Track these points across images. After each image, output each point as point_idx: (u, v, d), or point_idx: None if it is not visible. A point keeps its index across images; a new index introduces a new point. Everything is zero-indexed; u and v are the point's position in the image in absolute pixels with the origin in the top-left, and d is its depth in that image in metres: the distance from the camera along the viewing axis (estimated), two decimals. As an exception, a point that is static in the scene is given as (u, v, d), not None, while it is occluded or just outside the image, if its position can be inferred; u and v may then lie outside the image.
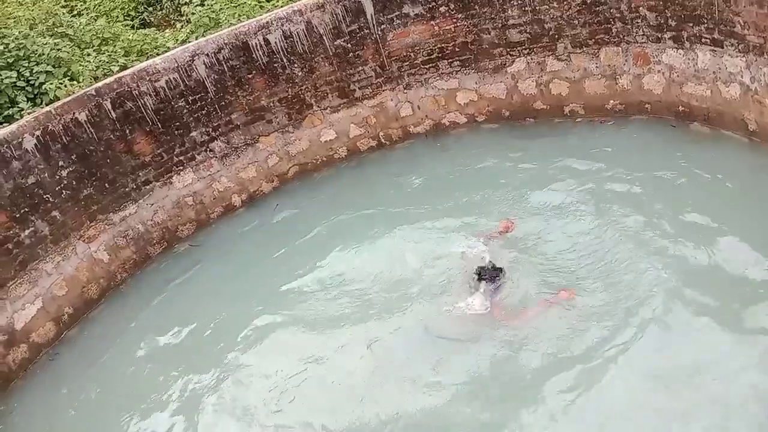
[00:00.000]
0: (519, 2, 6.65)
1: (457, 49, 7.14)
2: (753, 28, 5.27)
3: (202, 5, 8.98)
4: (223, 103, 6.96)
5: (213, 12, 8.63)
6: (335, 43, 7.09)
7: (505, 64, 7.09)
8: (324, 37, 7.04)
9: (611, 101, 6.75)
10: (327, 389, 4.66)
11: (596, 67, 6.67)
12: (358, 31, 7.08)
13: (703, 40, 5.79)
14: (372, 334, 5.01)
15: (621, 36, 6.39)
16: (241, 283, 6.07)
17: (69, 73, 7.52)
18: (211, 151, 7.05)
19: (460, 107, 7.47)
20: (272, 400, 4.72)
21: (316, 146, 7.45)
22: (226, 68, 6.87)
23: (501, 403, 4.23)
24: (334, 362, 4.86)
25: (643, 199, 5.53)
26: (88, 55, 8.26)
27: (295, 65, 7.08)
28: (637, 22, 6.19)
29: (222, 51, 6.82)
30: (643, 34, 6.22)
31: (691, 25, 5.81)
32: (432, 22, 7.04)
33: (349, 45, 7.12)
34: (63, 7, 9.93)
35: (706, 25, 5.69)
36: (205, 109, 6.91)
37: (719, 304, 4.37)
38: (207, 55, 6.79)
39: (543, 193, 6.05)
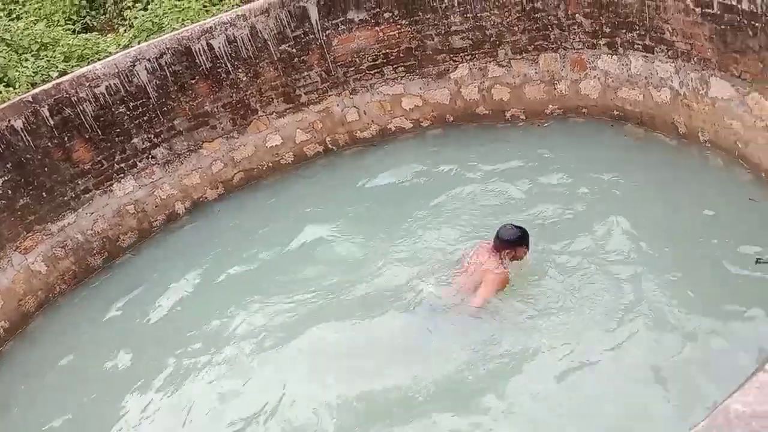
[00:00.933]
0: (461, 9, 6.77)
1: (401, 55, 7.22)
2: (681, 35, 5.50)
3: (145, 10, 8.87)
4: (166, 108, 6.86)
5: (156, 17, 8.54)
6: (280, 48, 7.08)
7: (448, 70, 7.20)
8: (269, 42, 7.02)
9: (550, 106, 6.93)
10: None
11: (536, 72, 6.83)
12: (303, 36, 7.09)
13: (635, 46, 6.01)
14: (323, 336, 4.97)
15: (559, 42, 6.57)
16: (185, 294, 5.98)
17: (5, 80, 7.32)
18: (153, 157, 6.94)
19: (405, 112, 7.54)
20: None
21: (262, 152, 7.41)
22: (168, 73, 6.78)
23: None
24: (290, 389, 4.67)
25: (580, 192, 5.77)
26: (26, 60, 8.06)
27: (240, 70, 7.04)
28: (574, 29, 6.38)
29: (164, 56, 6.73)
30: (580, 41, 6.41)
31: (624, 31, 6.01)
32: (377, 28, 7.10)
33: (294, 50, 7.12)
34: (0, 10, 9.66)
35: (638, 31, 5.91)
36: (147, 115, 6.80)
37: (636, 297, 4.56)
38: (149, 60, 6.69)
39: (490, 194, 6.15)
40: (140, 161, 6.90)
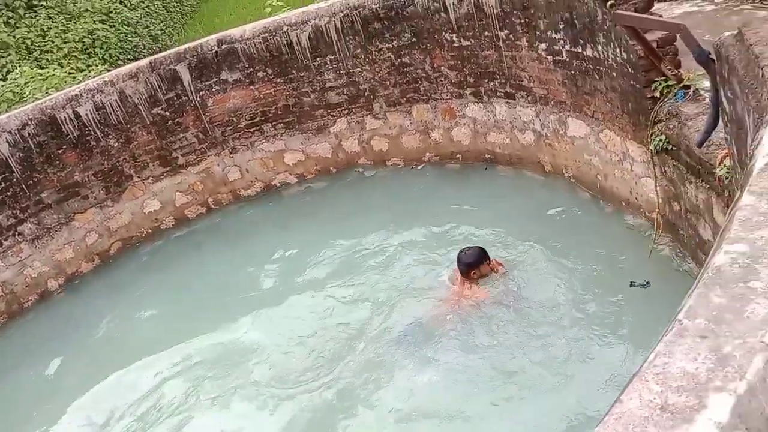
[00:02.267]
0: (334, 66, 6.95)
1: (279, 112, 7.27)
2: (537, 82, 5.92)
3: (5, 80, 8.42)
4: (32, 182, 6.48)
5: (17, 86, 8.12)
6: (152, 111, 6.93)
7: (327, 125, 7.32)
8: (140, 107, 6.86)
9: (427, 153, 7.19)
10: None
11: (410, 123, 7.10)
12: (176, 98, 6.99)
13: (498, 94, 6.40)
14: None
15: (429, 94, 6.87)
16: (60, 373, 5.57)
17: None
18: (20, 234, 6.50)
19: (289, 168, 7.56)
20: None
21: (140, 218, 7.14)
22: (32, 145, 6.44)
23: None
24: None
25: (458, 231, 5.98)
26: None
27: (110, 137, 6.80)
28: (441, 81, 6.71)
29: (27, 127, 6.40)
30: (448, 91, 6.75)
31: (486, 81, 6.40)
32: (252, 87, 7.13)
33: (167, 113, 6.99)
34: None
35: (499, 80, 6.30)
36: (11, 190, 6.39)
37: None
38: (10, 132, 6.33)
39: (374, 236, 6.27)
40: (6, 240, 6.43)
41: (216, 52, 6.89)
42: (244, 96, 7.15)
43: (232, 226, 7.27)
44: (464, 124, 6.82)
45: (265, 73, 7.03)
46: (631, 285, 4.67)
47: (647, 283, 4.63)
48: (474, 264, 5.00)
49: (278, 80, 7.08)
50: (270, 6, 8.84)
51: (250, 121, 7.28)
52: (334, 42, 6.81)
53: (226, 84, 7.05)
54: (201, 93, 7.03)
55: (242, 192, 7.57)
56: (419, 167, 7.18)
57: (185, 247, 7.00)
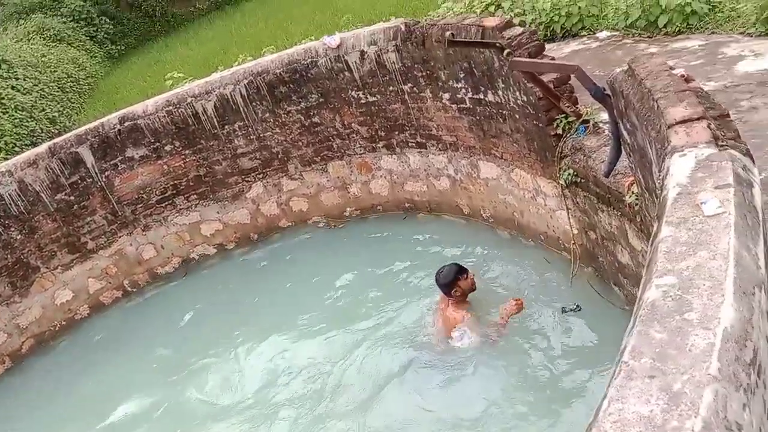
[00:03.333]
0: (243, 132, 6.88)
1: (191, 184, 7.10)
2: (445, 130, 6.08)
3: None
4: (-75, 286, 5.99)
5: None
6: (56, 198, 6.60)
7: (243, 191, 7.21)
8: (42, 194, 6.52)
9: (348, 209, 7.20)
10: None
11: (327, 180, 7.09)
12: (80, 181, 6.69)
13: (409, 144, 6.52)
14: None
15: (343, 150, 6.92)
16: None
17: None
18: None
19: (207, 239, 7.35)
20: None
21: (52, 311, 6.70)
22: None
23: None
24: None
25: (384, 283, 6.00)
26: None
27: (12, 229, 6.41)
28: (353, 137, 6.78)
29: None
30: (360, 146, 6.81)
31: (397, 133, 6.52)
32: (160, 162, 6.93)
33: (72, 197, 6.67)
34: None
35: (409, 131, 6.43)
36: None
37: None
38: None
39: (300, 297, 6.20)
40: None
41: (119, 130, 6.69)
42: (153, 171, 6.95)
43: (152, 307, 6.95)
44: (381, 176, 6.89)
45: (172, 146, 6.87)
46: (563, 311, 4.77)
47: (578, 307, 4.75)
48: (451, 282, 4.98)
49: (187, 152, 6.93)
50: (171, 78, 8.71)
51: (161, 196, 7.06)
52: (241, 109, 6.77)
53: (132, 161, 6.83)
54: (106, 173, 6.77)
55: (159, 270, 7.28)
56: (339, 226, 7.16)
57: (103, 339, 6.60)
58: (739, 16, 5.99)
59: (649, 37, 6.51)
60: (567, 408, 4.16)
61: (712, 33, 6.06)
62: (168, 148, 6.85)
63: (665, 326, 1.51)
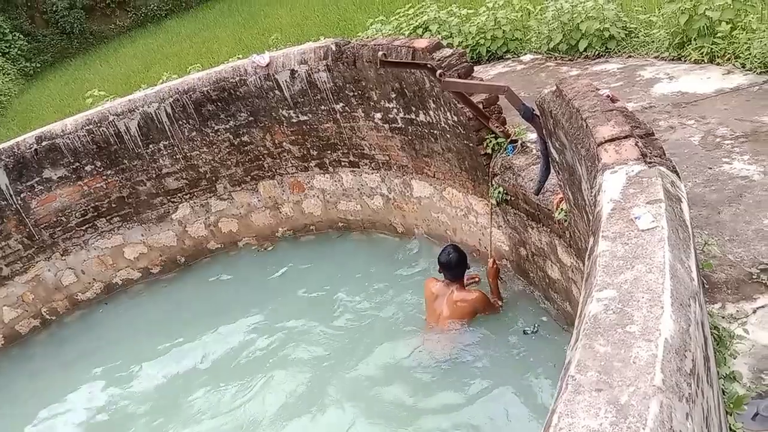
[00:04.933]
0: (169, 151, 6.68)
1: (114, 205, 6.81)
2: (378, 149, 6.10)
3: None
4: None
5: None
6: (-35, 222, 6.19)
7: (169, 212, 6.97)
8: (-51, 218, 6.10)
9: (280, 229, 7.09)
10: None
11: (258, 200, 6.97)
12: (-8, 204, 6.31)
13: (342, 163, 6.50)
14: None
15: (274, 170, 6.82)
16: None
17: None
18: None
19: (130, 263, 7.05)
20: None
21: (-39, 345, 6.25)
22: None
23: None
24: None
25: (319, 305, 5.91)
26: None
27: None
28: (285, 156, 6.69)
29: None
30: (292, 165, 6.74)
31: (329, 152, 6.48)
32: (80, 183, 6.62)
33: (-17, 221, 6.27)
34: None
35: (341, 150, 6.41)
36: None
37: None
38: None
39: (229, 325, 6.00)
40: None
41: (35, 149, 6.35)
42: (72, 193, 6.62)
43: (71, 336, 6.58)
44: (313, 195, 6.82)
45: (93, 167, 6.58)
46: (524, 333, 4.81)
47: (537, 327, 4.80)
48: (464, 262, 4.97)
49: (109, 172, 6.65)
50: (91, 96, 8.38)
51: (81, 219, 6.73)
52: (167, 127, 6.57)
53: (50, 182, 6.49)
54: (22, 195, 6.40)
55: (80, 296, 6.92)
56: (269, 248, 7.03)
57: (20, 370, 6.19)
58: (653, 41, 6.33)
59: (570, 60, 6.78)
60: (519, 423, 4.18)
61: (629, 57, 6.37)
62: (88, 168, 6.56)
63: (608, 339, 1.54)
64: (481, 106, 4.74)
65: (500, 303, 5.06)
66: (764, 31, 5.27)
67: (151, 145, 6.61)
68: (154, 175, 6.75)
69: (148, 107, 6.46)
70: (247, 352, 5.57)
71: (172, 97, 6.45)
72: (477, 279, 5.32)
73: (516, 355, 4.66)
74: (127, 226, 6.92)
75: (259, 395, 5.01)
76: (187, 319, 6.28)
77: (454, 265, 4.97)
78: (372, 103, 5.78)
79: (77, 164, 6.51)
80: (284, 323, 5.80)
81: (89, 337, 6.44)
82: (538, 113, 3.67)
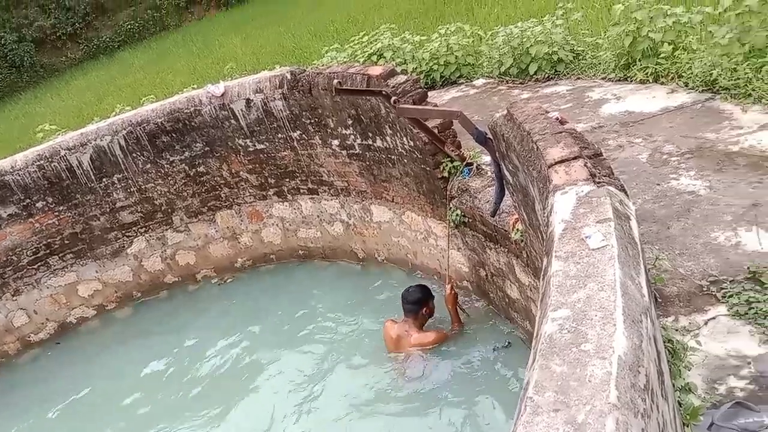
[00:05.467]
0: (123, 185, 6.56)
1: (67, 242, 6.63)
2: (336, 175, 6.11)
3: None
4: None
5: None
6: None
7: (124, 246, 6.82)
8: None
9: (239, 259, 7.00)
10: None
11: (216, 231, 6.88)
12: (-63, 245, 6.09)
13: (301, 191, 6.48)
14: None
15: (231, 199, 6.75)
16: None
17: None
18: None
19: (85, 300, 6.86)
20: None
21: None
22: None
23: None
24: None
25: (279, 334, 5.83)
26: None
27: None
28: (242, 185, 6.64)
29: None
30: (250, 194, 6.69)
31: (287, 180, 6.46)
32: (31, 220, 6.44)
33: (-73, 263, 6.04)
34: None
35: (300, 178, 6.40)
36: None
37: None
38: None
39: (190, 362, 5.85)
40: None
41: (-18, 187, 6.18)
42: (23, 230, 6.44)
43: (24, 379, 6.35)
44: (272, 224, 6.78)
45: (44, 203, 6.41)
46: (494, 350, 4.81)
47: (509, 344, 4.81)
48: (422, 300, 4.98)
49: (61, 208, 6.49)
50: (42, 131, 8.20)
51: (33, 257, 6.54)
52: (120, 160, 6.46)
53: (0, 221, 6.31)
54: (-31, 234, 6.20)
55: (32, 337, 6.69)
56: (229, 280, 6.93)
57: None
58: (600, 63, 6.53)
59: (521, 83, 6.94)
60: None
61: (578, 78, 6.56)
62: (40, 204, 6.39)
63: (564, 359, 1.56)
64: (436, 130, 4.81)
65: (457, 328, 5.06)
66: (704, 51, 5.50)
67: (104, 179, 6.49)
68: (108, 210, 6.61)
69: (101, 140, 6.35)
70: (210, 386, 5.45)
71: (125, 129, 6.36)
72: (432, 309, 5.20)
73: (485, 372, 4.67)
74: (81, 262, 6.75)
75: (226, 428, 4.90)
76: (144, 355, 6.11)
77: (410, 300, 5.01)
78: (329, 130, 5.80)
79: (28, 201, 6.34)
80: (248, 354, 5.70)
81: (42, 380, 6.21)
82: (491, 137, 3.74)
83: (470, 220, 4.82)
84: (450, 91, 7.46)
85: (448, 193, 4.97)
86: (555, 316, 1.72)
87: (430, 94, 5.36)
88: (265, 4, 21.56)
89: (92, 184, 6.47)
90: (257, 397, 5.16)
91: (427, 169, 5.04)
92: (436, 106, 4.98)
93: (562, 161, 2.59)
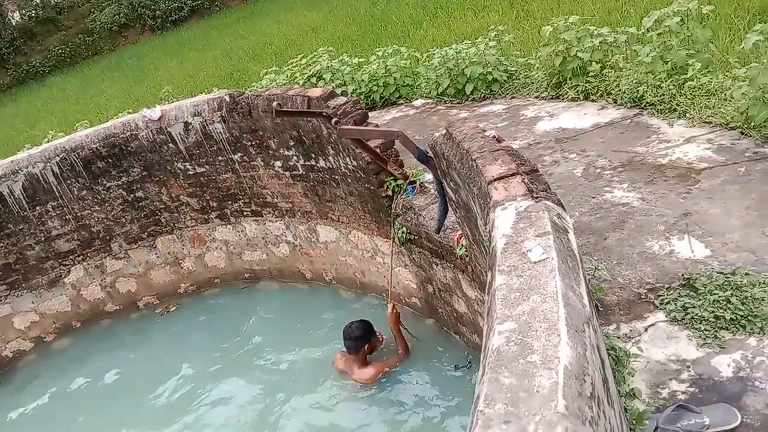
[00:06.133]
0: (58, 212, 6.34)
1: (0, 273, 6.36)
2: (280, 197, 6.08)
3: None
4: None
5: None
6: None
7: (61, 276, 6.58)
8: None
9: (182, 285, 6.86)
10: None
11: (157, 257, 6.72)
12: None
13: (244, 213, 6.42)
14: None
15: (172, 224, 6.62)
16: None
17: None
18: None
19: (21, 333, 6.58)
20: None
21: None
22: None
23: None
24: None
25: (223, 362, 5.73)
26: None
27: None
28: (183, 209, 6.53)
29: None
30: (192, 218, 6.58)
31: (230, 203, 6.39)
32: (-41, 251, 6.16)
33: None
34: None
35: (243, 200, 6.34)
36: None
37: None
38: None
39: (134, 395, 5.65)
40: None
41: None
42: (-49, 263, 6.15)
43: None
44: (216, 247, 6.68)
45: (-27, 234, 6.14)
46: (456, 368, 4.82)
47: (470, 363, 4.83)
48: (362, 338, 4.91)
49: (-8, 238, 6.23)
50: (-32, 159, 7.84)
51: (-38, 291, 6.24)
52: (54, 188, 6.26)
53: None
54: None
55: (-37, 375, 6.36)
56: (172, 309, 6.76)
57: None
58: (533, 82, 6.76)
59: (459, 103, 7.11)
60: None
61: (513, 97, 6.76)
62: (-32, 235, 6.11)
63: (512, 371, 1.60)
64: (378, 150, 4.86)
65: (403, 353, 5.06)
66: (630, 69, 5.77)
67: (38, 207, 6.26)
68: (42, 239, 6.38)
69: (33, 168, 6.14)
70: (162, 419, 5.28)
71: (58, 156, 6.17)
72: (380, 340, 5.18)
73: (446, 392, 4.69)
74: (16, 294, 6.48)
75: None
76: (89, 388, 5.90)
77: (351, 336, 4.98)
78: (271, 152, 5.78)
79: (-46, 232, 6.06)
80: (198, 383, 5.57)
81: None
82: (432, 155, 3.81)
83: (416, 237, 4.88)
84: (390, 112, 7.56)
85: (392, 211, 5.02)
86: (501, 329, 1.77)
87: (370, 114, 5.42)
88: (201, 28, 21.36)
89: (25, 213, 6.23)
90: (207, 424, 5.04)
91: (372, 188, 5.08)
92: (377, 126, 5.04)
93: (500, 178, 2.67)
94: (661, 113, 5.24)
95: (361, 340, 4.96)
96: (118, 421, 5.39)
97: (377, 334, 5.10)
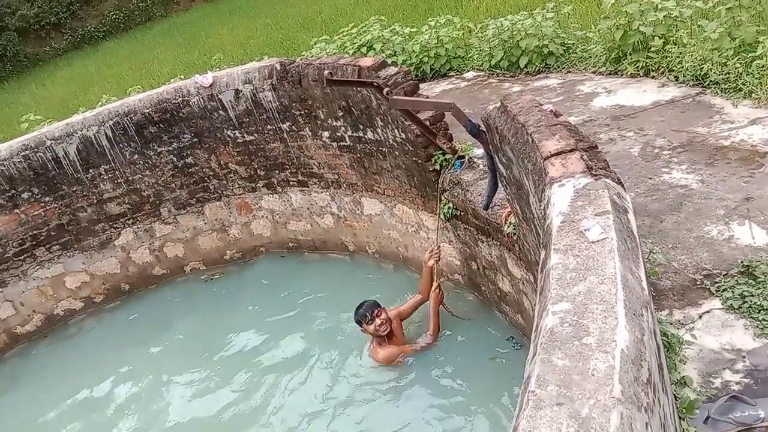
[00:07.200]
0: (110, 176, 6.48)
1: (53, 233, 6.55)
2: (327, 168, 6.07)
3: None
4: None
5: None
6: None
7: (111, 238, 6.75)
8: None
9: (228, 252, 6.95)
10: None
11: (204, 223, 6.82)
12: None
13: (291, 183, 6.44)
14: None
15: (220, 191, 6.70)
16: None
17: None
18: None
19: (72, 292, 6.78)
20: None
21: None
22: None
23: None
24: None
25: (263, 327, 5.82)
26: None
27: None
28: (231, 177, 6.59)
29: None
30: (239, 186, 6.64)
31: (277, 172, 6.42)
32: (16, 211, 6.35)
33: None
34: None
35: (290, 170, 6.36)
36: None
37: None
38: None
39: (178, 357, 5.80)
40: None
41: (-34, 177, 6.08)
42: (8, 222, 6.34)
43: (11, 372, 6.28)
44: (262, 216, 6.73)
45: (30, 194, 6.32)
46: (509, 340, 4.77)
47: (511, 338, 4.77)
48: (358, 321, 4.88)
49: (47, 199, 6.40)
50: (27, 121, 8.08)
51: (18, 248, 6.45)
52: (107, 151, 6.38)
53: (-17, 211, 6.21)
54: (-48, 226, 6.10)
55: (19, 330, 6.61)
56: (216, 277, 6.85)
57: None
58: (590, 57, 6.53)
59: (512, 76, 6.93)
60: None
61: (568, 72, 6.55)
62: (25, 195, 6.30)
63: (566, 352, 1.54)
64: (427, 123, 4.78)
65: (430, 340, 4.98)
66: (694, 45, 5.51)
67: (91, 170, 6.40)
68: (95, 201, 6.53)
69: (87, 131, 6.27)
70: (203, 381, 5.41)
71: (112, 120, 6.28)
72: (377, 328, 4.90)
73: (480, 375, 4.65)
74: (68, 254, 6.67)
75: (218, 425, 4.87)
76: (135, 350, 6.06)
77: (355, 313, 4.92)
78: (319, 122, 5.76)
79: (13, 192, 6.25)
80: (239, 349, 5.68)
81: (29, 374, 6.14)
82: (484, 129, 3.72)
83: (462, 213, 4.81)
84: (440, 84, 7.43)
85: (439, 186, 4.95)
86: (555, 310, 1.71)
87: (420, 86, 5.33)
88: (253, -5, 21.37)
89: (79, 175, 6.38)
90: (247, 389, 5.15)
91: (419, 161, 5.01)
92: (428, 97, 4.95)
93: (558, 153, 2.57)
94: (725, 92, 5.00)
95: (358, 323, 4.94)
96: (156, 381, 5.57)
97: (376, 315, 4.85)
